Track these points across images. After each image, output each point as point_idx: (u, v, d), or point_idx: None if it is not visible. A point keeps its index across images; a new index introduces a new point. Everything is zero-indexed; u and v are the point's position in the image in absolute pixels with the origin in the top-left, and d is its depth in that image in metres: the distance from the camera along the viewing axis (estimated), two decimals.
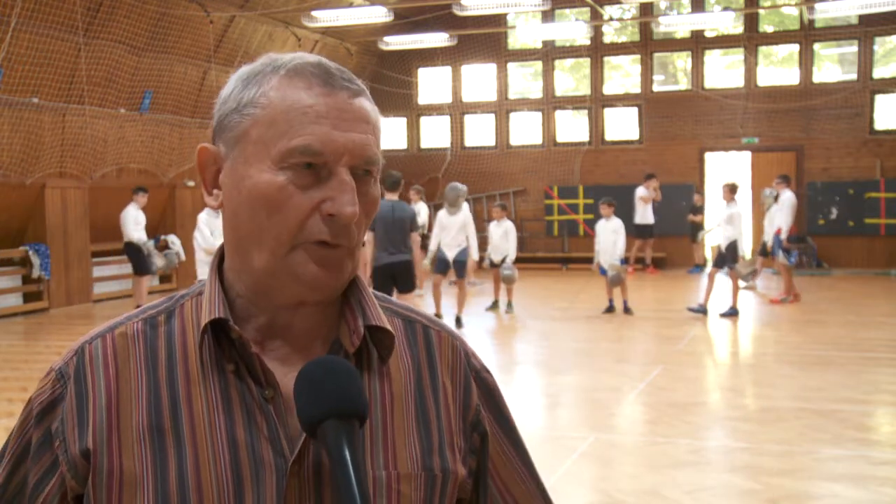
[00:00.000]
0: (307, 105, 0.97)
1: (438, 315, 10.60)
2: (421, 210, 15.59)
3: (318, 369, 0.94)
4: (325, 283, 0.99)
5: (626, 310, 11.94)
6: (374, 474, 1.01)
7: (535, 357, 9.42)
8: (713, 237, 15.10)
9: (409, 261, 8.90)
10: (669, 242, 18.24)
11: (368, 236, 10.13)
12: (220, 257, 1.08)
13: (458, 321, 10.83)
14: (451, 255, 10.98)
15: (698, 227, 17.54)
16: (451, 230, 10.94)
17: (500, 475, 1.13)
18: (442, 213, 11.06)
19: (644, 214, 17.06)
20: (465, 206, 11.27)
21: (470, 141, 20.21)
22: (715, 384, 8.22)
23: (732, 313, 11.60)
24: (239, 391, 1.00)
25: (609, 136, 19.34)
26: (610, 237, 11.76)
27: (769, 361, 8.86)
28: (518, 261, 12.67)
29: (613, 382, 7.96)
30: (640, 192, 17.07)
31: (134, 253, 12.31)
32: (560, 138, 19.59)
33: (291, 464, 0.97)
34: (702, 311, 11.62)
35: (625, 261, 12.12)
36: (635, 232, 16.60)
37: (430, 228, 15.70)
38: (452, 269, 11.27)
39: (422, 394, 1.07)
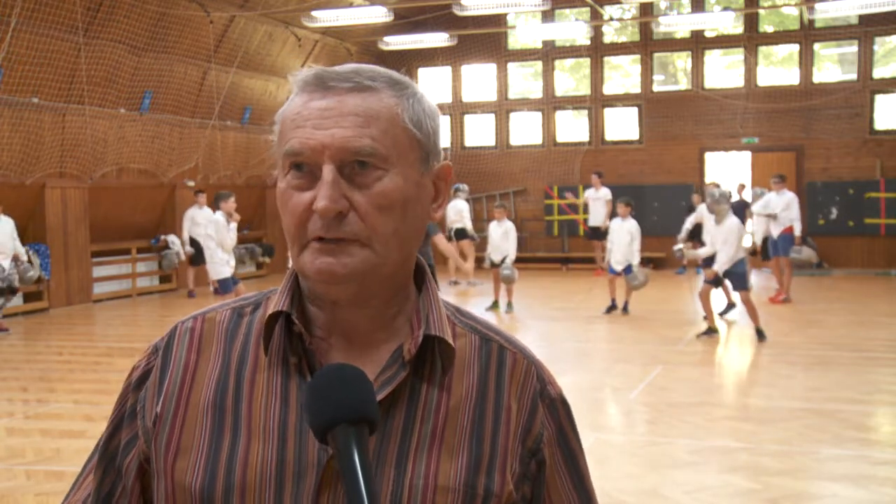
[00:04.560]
0: (296, 113, 1.04)
1: (712, 328, 9.98)
2: (462, 209, 15.29)
3: (330, 376, 0.95)
4: (332, 274, 1.01)
5: (625, 310, 11.96)
6: (412, 482, 1.02)
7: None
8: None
9: None
10: (669, 242, 18.23)
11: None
12: None
13: (761, 333, 9.77)
14: (720, 267, 9.79)
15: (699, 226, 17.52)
16: (717, 239, 9.81)
17: None
18: (709, 223, 9.98)
19: (596, 216, 16.78)
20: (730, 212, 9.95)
21: (470, 141, 20.21)
22: (715, 384, 8.22)
23: (731, 310, 11.60)
24: (298, 384, 1.05)
25: (609, 136, 19.33)
26: (625, 237, 11.67)
27: (769, 361, 8.86)
28: (518, 261, 12.67)
29: (613, 382, 7.96)
30: (590, 193, 16.88)
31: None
32: (560, 138, 19.59)
33: (329, 459, 1.00)
34: (729, 309, 11.62)
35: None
36: (590, 234, 16.86)
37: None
38: (727, 281, 10.21)
39: (482, 412, 1.08)
